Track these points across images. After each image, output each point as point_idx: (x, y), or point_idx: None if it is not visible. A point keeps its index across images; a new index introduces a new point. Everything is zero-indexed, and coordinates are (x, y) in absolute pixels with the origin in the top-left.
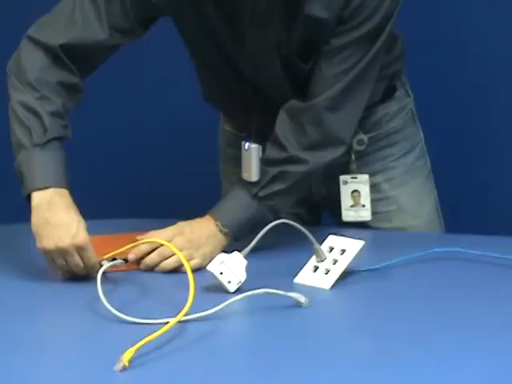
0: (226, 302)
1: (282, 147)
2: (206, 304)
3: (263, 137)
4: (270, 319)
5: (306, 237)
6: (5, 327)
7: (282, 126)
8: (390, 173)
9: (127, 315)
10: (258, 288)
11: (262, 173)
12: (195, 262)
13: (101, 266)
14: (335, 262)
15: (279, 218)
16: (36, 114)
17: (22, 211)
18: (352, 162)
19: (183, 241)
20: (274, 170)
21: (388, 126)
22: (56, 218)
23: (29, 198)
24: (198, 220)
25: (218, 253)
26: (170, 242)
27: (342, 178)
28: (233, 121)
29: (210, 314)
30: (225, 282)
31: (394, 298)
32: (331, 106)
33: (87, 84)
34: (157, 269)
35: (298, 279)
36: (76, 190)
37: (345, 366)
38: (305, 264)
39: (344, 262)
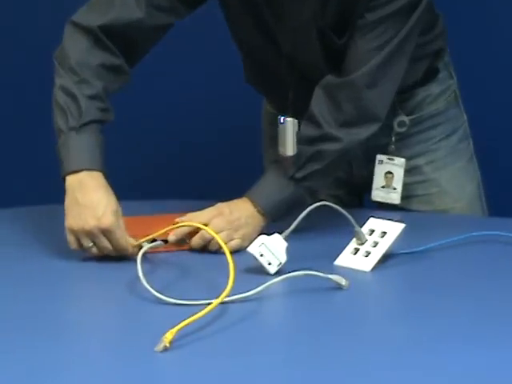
0: (266, 284)
1: (317, 124)
2: (246, 286)
3: (299, 113)
4: (310, 301)
5: (346, 219)
6: (46, 308)
7: (318, 102)
8: (431, 155)
9: (167, 296)
10: (299, 270)
11: (298, 153)
12: (235, 242)
13: (140, 247)
14: (375, 244)
15: (316, 199)
16: (74, 97)
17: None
18: (392, 143)
19: (222, 222)
20: (309, 150)
21: (430, 108)
22: (85, 198)
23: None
24: (236, 201)
25: (257, 234)
26: (208, 223)
27: (379, 157)
28: (272, 100)
29: (250, 296)
30: (265, 264)
31: (434, 282)
32: (368, 82)
33: None
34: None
35: (339, 261)
36: (115, 172)
37: (384, 349)
38: (345, 246)
39: (384, 245)
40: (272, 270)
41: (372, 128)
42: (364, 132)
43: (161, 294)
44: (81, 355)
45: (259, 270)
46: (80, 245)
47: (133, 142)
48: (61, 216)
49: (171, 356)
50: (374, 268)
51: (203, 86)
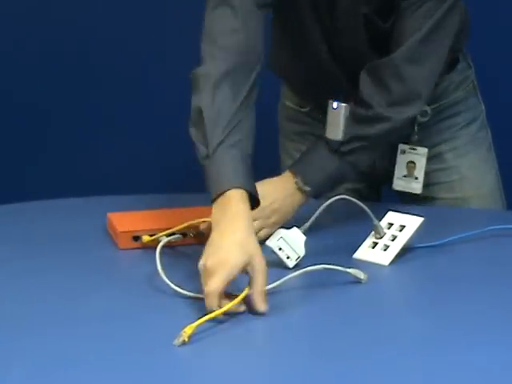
0: (285, 278)
1: (367, 106)
2: None
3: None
4: (329, 295)
5: (364, 213)
6: (65, 301)
7: (365, 85)
8: (454, 142)
9: (185, 290)
10: (317, 264)
11: (344, 129)
12: (263, 233)
13: (159, 241)
14: (394, 238)
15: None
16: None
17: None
18: (414, 133)
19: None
20: (355, 128)
21: (450, 97)
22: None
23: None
24: (275, 179)
25: (294, 213)
26: None
27: (401, 146)
28: (297, 94)
29: (269, 290)
30: (284, 258)
31: (452, 276)
32: (409, 57)
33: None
34: None
35: (357, 255)
36: (145, 165)
37: (402, 343)
38: (364, 240)
39: (403, 239)
40: (291, 263)
41: (416, 106)
42: (409, 110)
43: (179, 287)
44: (98, 347)
45: (278, 264)
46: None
47: (143, 138)
48: (75, 209)
49: (189, 349)
50: (393, 262)
51: None
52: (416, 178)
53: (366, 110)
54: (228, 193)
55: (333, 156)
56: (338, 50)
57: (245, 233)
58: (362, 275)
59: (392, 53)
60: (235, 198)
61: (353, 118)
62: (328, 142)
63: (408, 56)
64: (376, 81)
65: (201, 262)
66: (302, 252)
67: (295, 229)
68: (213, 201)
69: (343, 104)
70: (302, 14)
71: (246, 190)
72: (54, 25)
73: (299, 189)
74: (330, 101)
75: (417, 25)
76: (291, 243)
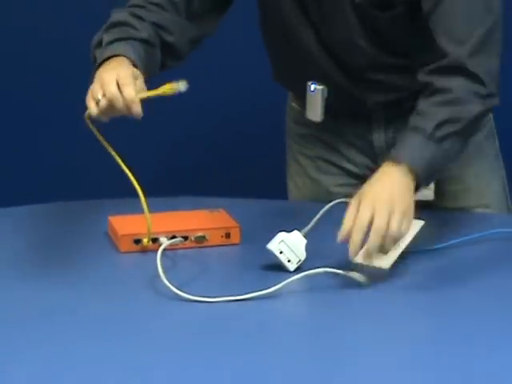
0: (286, 282)
1: (446, 91)
2: (266, 283)
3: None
4: (330, 298)
5: None
6: (65, 303)
7: (436, 79)
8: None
9: (187, 293)
10: (318, 267)
11: (434, 116)
12: (404, 227)
13: (160, 244)
14: None
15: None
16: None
17: None
18: None
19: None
20: (444, 111)
21: None
22: (107, 67)
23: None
24: (377, 178)
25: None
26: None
27: None
28: (300, 97)
29: (270, 293)
30: (284, 261)
31: (453, 280)
32: (475, 51)
33: None
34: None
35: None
36: (146, 168)
37: (403, 347)
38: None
39: (403, 242)
40: (291, 267)
41: (490, 102)
42: (484, 104)
43: (180, 290)
44: (99, 350)
45: (279, 267)
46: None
47: (144, 141)
48: (79, 211)
49: (191, 352)
50: (393, 265)
51: (226, 85)
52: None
53: (448, 93)
54: (114, 58)
55: (428, 141)
56: (329, 42)
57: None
58: (363, 278)
59: (448, 51)
60: (119, 59)
61: (438, 104)
62: (422, 129)
63: (473, 51)
64: (445, 76)
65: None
66: (302, 255)
67: (296, 232)
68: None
69: (320, 86)
70: (284, 5)
71: (130, 59)
72: (55, 25)
73: (407, 175)
74: (308, 83)
75: (479, 19)
76: (292, 246)
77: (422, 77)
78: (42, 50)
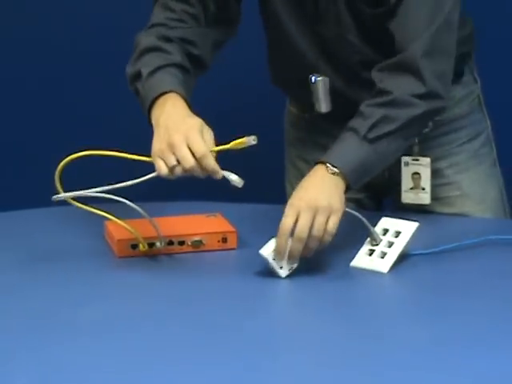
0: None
1: (387, 93)
2: (262, 288)
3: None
4: (327, 303)
5: (360, 221)
6: (59, 309)
7: (382, 79)
8: (453, 158)
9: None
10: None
11: (369, 115)
12: (329, 228)
13: (157, 248)
14: (390, 244)
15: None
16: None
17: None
18: (415, 144)
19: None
20: (379, 112)
21: (453, 111)
22: (167, 121)
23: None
24: (308, 179)
25: (343, 198)
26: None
27: (404, 158)
28: (297, 99)
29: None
30: (276, 268)
31: (451, 283)
32: (424, 53)
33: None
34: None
35: (354, 263)
36: (143, 173)
37: (402, 350)
38: (359, 248)
39: (400, 245)
40: (283, 273)
41: (433, 104)
42: (425, 106)
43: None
44: (96, 355)
45: (271, 273)
46: (169, 168)
47: (139, 146)
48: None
49: (187, 356)
50: (391, 269)
51: (223, 88)
52: (423, 189)
53: (387, 95)
54: (165, 95)
55: (361, 142)
56: (322, 38)
57: (186, 110)
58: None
59: (400, 47)
60: (171, 97)
61: (375, 105)
62: (355, 129)
63: (423, 51)
64: (393, 75)
65: (157, 146)
66: (295, 263)
67: (289, 239)
68: (149, 109)
69: (320, 78)
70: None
71: (181, 95)
72: (55, 25)
73: (333, 173)
74: (310, 76)
75: (424, 20)
76: (285, 254)
77: (373, 74)
78: (42, 50)
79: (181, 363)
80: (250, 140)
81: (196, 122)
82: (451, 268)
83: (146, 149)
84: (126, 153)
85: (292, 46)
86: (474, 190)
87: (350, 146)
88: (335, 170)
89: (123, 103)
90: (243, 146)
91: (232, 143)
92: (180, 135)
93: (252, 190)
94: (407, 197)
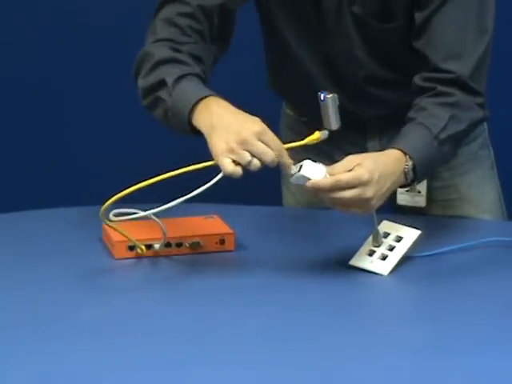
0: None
1: (448, 94)
2: (260, 290)
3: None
4: (325, 304)
5: (358, 220)
6: (61, 310)
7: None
8: (452, 161)
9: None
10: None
11: (436, 113)
12: (376, 202)
13: (155, 250)
14: (392, 248)
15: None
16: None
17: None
18: None
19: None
20: (448, 112)
21: None
22: (222, 121)
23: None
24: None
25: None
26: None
27: None
28: (295, 104)
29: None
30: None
31: (451, 286)
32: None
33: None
34: None
35: (354, 261)
36: (141, 175)
37: (401, 352)
38: (357, 249)
39: (401, 250)
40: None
41: (486, 113)
42: (482, 112)
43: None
44: (95, 356)
45: (272, 275)
46: (238, 164)
47: (137, 148)
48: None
49: (185, 359)
50: (392, 271)
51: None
52: (419, 192)
53: (450, 97)
54: (205, 100)
55: (432, 141)
56: (327, 53)
57: (236, 109)
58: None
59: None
60: (213, 99)
61: (440, 104)
62: (427, 126)
63: (475, 70)
64: (445, 86)
65: (221, 146)
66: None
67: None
68: (189, 120)
69: (330, 95)
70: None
71: (220, 97)
72: (55, 25)
73: (404, 168)
74: (319, 93)
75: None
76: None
77: (418, 81)
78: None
79: (181, 363)
80: (324, 134)
81: (256, 119)
82: (450, 270)
83: (146, 149)
84: (178, 169)
85: (294, 59)
86: (471, 194)
87: (423, 143)
88: (411, 165)
89: (123, 103)
90: (317, 140)
91: (307, 139)
92: (249, 132)
93: (250, 192)
94: (402, 198)
